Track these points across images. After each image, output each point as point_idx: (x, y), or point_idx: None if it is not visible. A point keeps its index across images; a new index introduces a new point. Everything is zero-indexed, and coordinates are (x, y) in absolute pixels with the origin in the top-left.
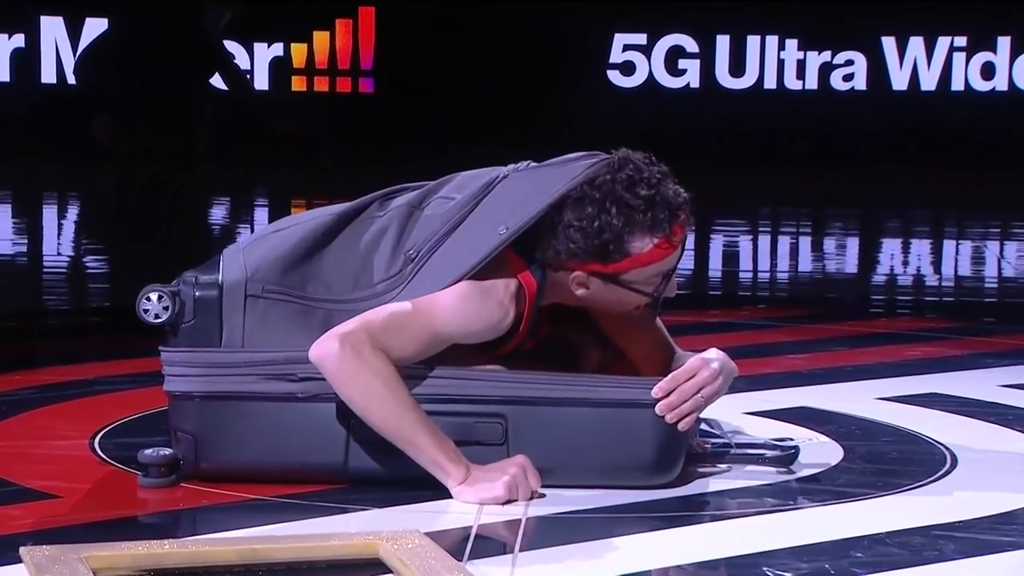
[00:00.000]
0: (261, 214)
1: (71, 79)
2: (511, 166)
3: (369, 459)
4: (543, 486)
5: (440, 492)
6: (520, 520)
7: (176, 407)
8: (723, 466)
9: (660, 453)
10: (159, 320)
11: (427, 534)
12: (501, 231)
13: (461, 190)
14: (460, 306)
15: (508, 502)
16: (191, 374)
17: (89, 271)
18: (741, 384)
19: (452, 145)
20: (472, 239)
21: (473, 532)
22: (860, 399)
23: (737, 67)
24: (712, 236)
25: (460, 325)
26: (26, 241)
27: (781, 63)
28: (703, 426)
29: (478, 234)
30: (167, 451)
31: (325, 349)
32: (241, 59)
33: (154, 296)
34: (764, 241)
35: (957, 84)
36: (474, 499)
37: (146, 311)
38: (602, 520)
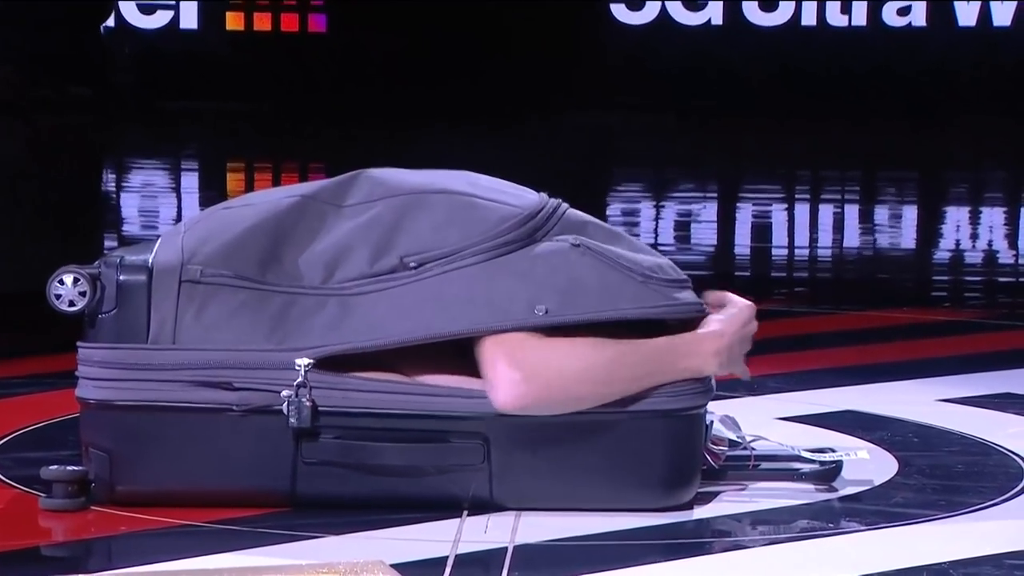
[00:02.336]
0: (190, 180)
1: None
2: (564, 207)
3: (324, 482)
4: (530, 508)
5: (411, 516)
6: (507, 549)
7: (89, 417)
8: (748, 484)
9: (673, 469)
10: (74, 308)
11: (393, 566)
12: (538, 311)
13: (485, 201)
14: None
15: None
16: (109, 377)
17: None
18: (774, 384)
19: (422, 96)
20: (501, 293)
21: (449, 564)
22: (918, 400)
23: None
24: (739, 205)
25: None
26: None
27: None
28: (724, 433)
29: (509, 291)
30: (76, 467)
31: (511, 394)
32: None
33: (69, 279)
34: (802, 210)
35: None
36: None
37: (59, 296)
38: (603, 548)
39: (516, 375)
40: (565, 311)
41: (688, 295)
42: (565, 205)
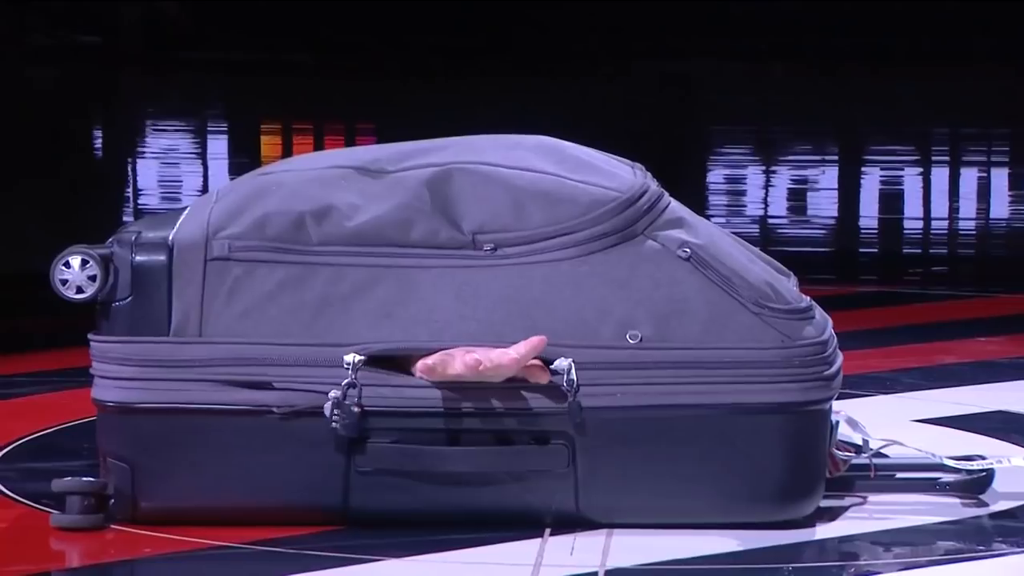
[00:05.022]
0: (218, 144)
1: None
2: (666, 196)
3: (381, 495)
4: (622, 525)
5: (484, 536)
6: (596, 574)
7: (107, 422)
8: (879, 496)
9: (794, 476)
10: (83, 295)
11: None
12: (631, 338)
13: (573, 181)
14: None
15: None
16: (129, 376)
17: None
18: (909, 379)
19: (476, 41)
20: (591, 304)
21: None
22: None
23: None
24: (864, 169)
25: None
26: None
27: None
28: (849, 436)
29: (602, 304)
30: (93, 479)
31: None
32: None
33: (76, 261)
34: (939, 175)
35: None
36: None
37: (64, 282)
38: (708, 573)
39: None
40: (661, 341)
41: (809, 329)
42: (667, 196)
